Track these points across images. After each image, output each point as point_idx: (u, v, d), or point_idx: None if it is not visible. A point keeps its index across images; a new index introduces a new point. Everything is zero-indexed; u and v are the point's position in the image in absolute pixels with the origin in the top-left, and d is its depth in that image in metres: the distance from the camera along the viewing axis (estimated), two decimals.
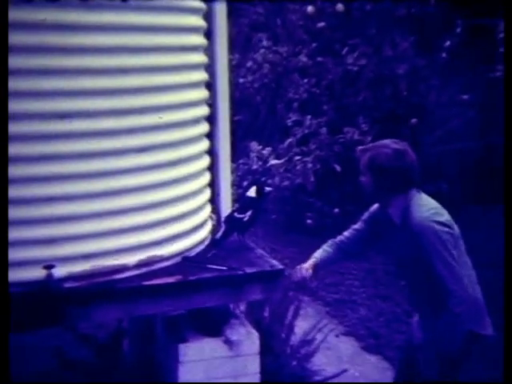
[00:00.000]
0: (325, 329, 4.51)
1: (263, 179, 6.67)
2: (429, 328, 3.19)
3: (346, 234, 3.52)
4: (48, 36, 3.01)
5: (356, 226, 3.48)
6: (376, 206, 3.35)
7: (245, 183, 6.88)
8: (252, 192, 3.74)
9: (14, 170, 2.89)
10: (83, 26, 3.09)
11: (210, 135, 3.86)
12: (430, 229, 3.04)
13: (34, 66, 3.00)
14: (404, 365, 3.43)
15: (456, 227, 3.17)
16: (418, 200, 3.15)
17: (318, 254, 3.49)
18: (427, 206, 3.14)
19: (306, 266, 3.43)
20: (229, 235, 3.68)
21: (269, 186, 4.10)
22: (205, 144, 3.79)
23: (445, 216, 3.14)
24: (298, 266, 3.44)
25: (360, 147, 3.35)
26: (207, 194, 3.84)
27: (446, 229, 3.08)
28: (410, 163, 3.15)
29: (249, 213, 3.66)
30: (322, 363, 4.43)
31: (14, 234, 2.83)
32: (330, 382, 4.18)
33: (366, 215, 3.44)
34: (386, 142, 3.27)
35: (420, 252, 3.06)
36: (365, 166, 3.19)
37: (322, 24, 8.05)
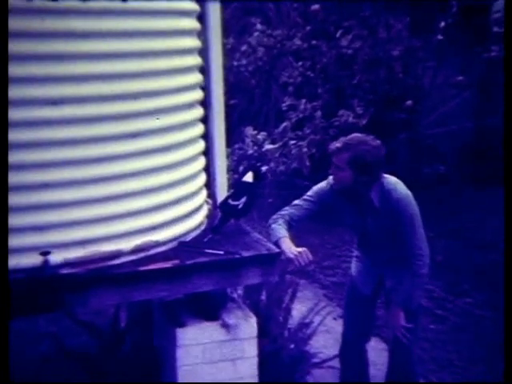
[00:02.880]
0: (322, 311, 4.51)
1: (258, 164, 6.66)
2: (394, 287, 3.64)
3: (292, 211, 3.64)
4: (40, 21, 2.98)
5: (303, 205, 3.65)
6: (322, 189, 3.64)
7: (241, 168, 6.88)
8: (248, 177, 3.72)
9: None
10: (76, 11, 3.06)
11: (205, 119, 3.85)
12: (410, 204, 3.51)
13: (26, 51, 2.97)
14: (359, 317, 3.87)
15: None
16: (390, 182, 3.54)
17: (284, 232, 3.55)
18: (400, 185, 3.54)
19: (304, 248, 3.44)
20: (225, 222, 3.67)
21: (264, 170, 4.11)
22: (200, 128, 3.78)
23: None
24: (297, 251, 3.43)
25: (334, 145, 3.53)
26: (203, 178, 3.84)
27: (415, 203, 3.54)
28: (384, 154, 3.50)
29: (243, 199, 3.65)
30: (319, 346, 4.45)
31: (9, 220, 2.82)
32: (327, 364, 4.19)
33: (313, 196, 3.66)
34: (360, 137, 3.54)
35: (395, 224, 3.49)
36: (345, 163, 3.45)
37: (315, 7, 8.01)
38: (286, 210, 3.66)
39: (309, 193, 3.70)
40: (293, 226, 3.62)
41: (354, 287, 3.88)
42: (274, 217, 3.64)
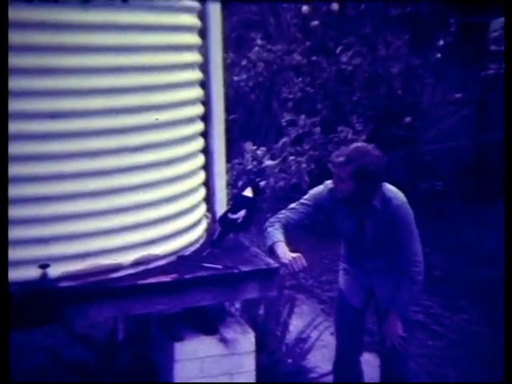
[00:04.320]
0: (320, 326, 4.52)
1: (257, 179, 6.66)
2: (388, 296, 3.64)
3: (289, 214, 3.64)
4: (42, 35, 3.01)
5: (299, 208, 3.65)
6: (319, 193, 3.66)
7: (240, 183, 6.89)
8: (248, 192, 3.74)
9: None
10: (78, 26, 3.09)
11: (205, 134, 3.87)
12: (408, 211, 3.57)
13: (28, 65, 3.00)
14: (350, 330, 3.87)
15: None
16: (390, 189, 3.60)
17: (280, 237, 3.54)
18: (399, 193, 3.60)
19: (298, 254, 3.45)
20: (224, 237, 3.68)
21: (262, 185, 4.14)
22: (199, 143, 3.80)
23: None
24: (292, 256, 3.43)
25: (336, 158, 3.54)
26: (202, 192, 3.85)
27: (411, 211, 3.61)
28: (385, 163, 3.53)
29: (242, 213, 3.66)
30: (317, 361, 4.44)
31: (9, 233, 2.83)
32: (325, 379, 4.19)
33: (310, 200, 3.67)
34: (362, 148, 3.58)
35: (393, 230, 3.54)
36: (348, 175, 3.46)
37: (315, 23, 8.05)
38: (283, 214, 3.66)
39: (306, 196, 3.71)
40: (289, 230, 3.62)
41: (343, 301, 3.87)
42: (271, 220, 3.64)
